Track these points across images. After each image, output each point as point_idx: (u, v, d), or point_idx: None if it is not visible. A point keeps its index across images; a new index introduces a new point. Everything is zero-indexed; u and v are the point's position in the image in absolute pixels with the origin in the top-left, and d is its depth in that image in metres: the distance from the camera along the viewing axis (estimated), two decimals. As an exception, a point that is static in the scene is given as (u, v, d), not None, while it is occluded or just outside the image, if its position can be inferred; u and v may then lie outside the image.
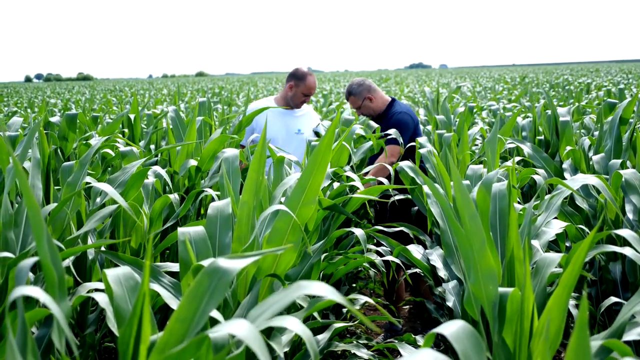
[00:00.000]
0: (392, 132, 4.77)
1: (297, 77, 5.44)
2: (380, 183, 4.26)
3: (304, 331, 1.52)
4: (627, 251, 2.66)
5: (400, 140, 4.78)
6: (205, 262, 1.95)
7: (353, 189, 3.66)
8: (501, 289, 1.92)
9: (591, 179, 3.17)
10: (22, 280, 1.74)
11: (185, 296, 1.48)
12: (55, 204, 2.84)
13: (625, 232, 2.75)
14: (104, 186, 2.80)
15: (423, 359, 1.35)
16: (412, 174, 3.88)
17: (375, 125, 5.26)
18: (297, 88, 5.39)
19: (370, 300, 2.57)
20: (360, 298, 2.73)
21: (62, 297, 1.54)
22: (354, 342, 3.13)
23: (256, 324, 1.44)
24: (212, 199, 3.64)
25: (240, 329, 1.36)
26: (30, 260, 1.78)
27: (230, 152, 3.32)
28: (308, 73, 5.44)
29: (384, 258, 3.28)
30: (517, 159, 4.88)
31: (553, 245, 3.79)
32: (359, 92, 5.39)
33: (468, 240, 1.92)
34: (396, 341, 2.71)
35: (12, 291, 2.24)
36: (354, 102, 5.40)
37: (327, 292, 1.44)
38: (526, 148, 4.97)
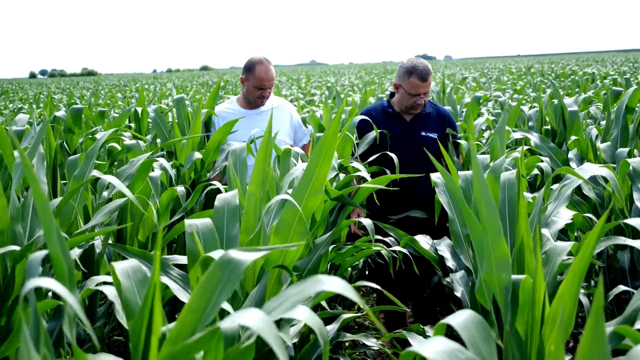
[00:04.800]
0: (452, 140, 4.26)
1: (246, 69, 4.60)
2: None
3: (314, 320, 1.52)
4: (637, 243, 2.64)
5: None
6: (214, 254, 1.95)
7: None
8: (513, 277, 1.91)
9: (601, 170, 3.16)
10: (34, 273, 1.74)
11: (198, 288, 1.48)
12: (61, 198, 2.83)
13: (635, 222, 2.73)
14: (110, 178, 2.80)
15: (436, 347, 1.35)
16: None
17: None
18: (248, 82, 4.57)
19: (379, 287, 2.56)
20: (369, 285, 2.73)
21: (72, 289, 1.54)
22: (364, 332, 3.13)
23: (272, 317, 1.44)
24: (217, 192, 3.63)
25: (254, 319, 1.35)
26: (40, 253, 1.78)
27: (237, 144, 3.32)
28: (258, 61, 4.54)
29: (391, 248, 3.26)
30: (525, 148, 4.86)
31: (561, 235, 3.78)
32: None
33: (483, 228, 1.90)
34: (404, 331, 2.70)
35: (20, 283, 2.25)
36: (430, 85, 4.23)
37: (344, 290, 1.43)
38: (533, 138, 4.96)
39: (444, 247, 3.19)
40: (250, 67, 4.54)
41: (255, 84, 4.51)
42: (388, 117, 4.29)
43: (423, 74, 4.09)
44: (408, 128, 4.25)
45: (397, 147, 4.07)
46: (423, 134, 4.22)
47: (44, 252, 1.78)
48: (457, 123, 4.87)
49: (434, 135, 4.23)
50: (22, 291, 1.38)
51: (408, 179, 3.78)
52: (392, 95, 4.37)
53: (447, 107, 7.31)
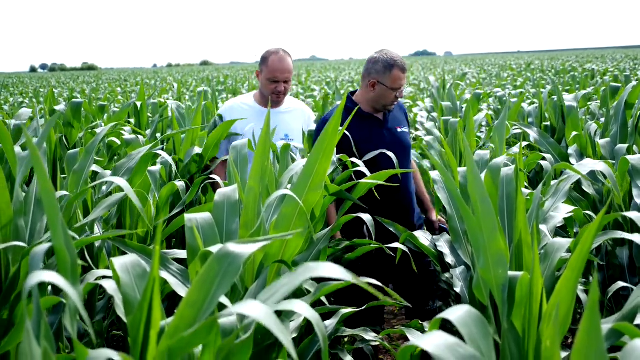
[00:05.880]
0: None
1: (261, 61, 4.20)
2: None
3: (312, 315, 1.52)
4: (635, 237, 2.65)
5: None
6: (214, 248, 1.95)
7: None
8: (510, 273, 1.92)
9: (599, 165, 3.17)
10: (36, 266, 1.74)
11: (196, 281, 1.48)
12: (63, 192, 2.84)
13: (633, 215, 2.74)
14: (114, 178, 2.77)
15: (435, 341, 1.35)
16: (417, 161, 3.87)
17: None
18: (262, 74, 4.17)
19: (379, 283, 2.56)
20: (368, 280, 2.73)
21: (75, 282, 1.55)
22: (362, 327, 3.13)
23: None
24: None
25: (255, 310, 1.36)
26: (43, 247, 1.78)
27: (238, 140, 3.32)
28: (273, 52, 4.15)
29: (390, 245, 3.25)
30: (524, 144, 4.87)
31: (561, 231, 3.79)
32: None
33: (478, 224, 1.91)
34: (403, 327, 2.70)
35: (24, 279, 2.26)
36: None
37: (337, 273, 1.43)
38: (533, 133, 4.96)
39: (443, 243, 3.20)
40: (264, 58, 4.16)
41: (268, 75, 4.11)
42: (361, 119, 3.81)
43: (404, 65, 3.77)
44: (386, 127, 3.86)
45: (385, 152, 3.54)
46: (399, 130, 3.89)
47: (46, 246, 1.78)
48: (456, 119, 4.85)
49: (406, 129, 3.95)
50: (25, 285, 1.38)
51: (398, 186, 3.57)
52: (352, 94, 3.95)
53: (447, 103, 7.31)
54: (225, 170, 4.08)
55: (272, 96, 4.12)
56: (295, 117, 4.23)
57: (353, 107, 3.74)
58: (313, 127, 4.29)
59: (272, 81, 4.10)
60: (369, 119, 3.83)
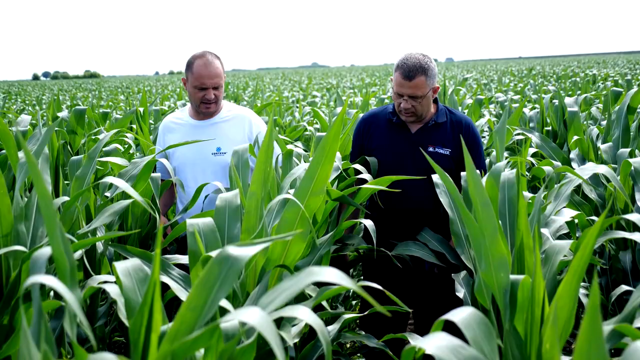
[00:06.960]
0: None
1: (185, 68, 3.69)
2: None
3: (315, 320, 1.52)
4: (636, 236, 2.65)
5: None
6: (215, 253, 1.95)
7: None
8: (512, 277, 1.91)
9: (601, 168, 3.16)
10: (38, 271, 1.74)
11: (196, 285, 1.48)
12: (65, 198, 2.84)
13: (634, 217, 2.74)
14: (118, 182, 2.76)
15: (438, 342, 1.35)
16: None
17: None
18: (188, 83, 3.67)
19: (381, 287, 2.56)
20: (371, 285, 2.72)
21: (73, 287, 1.55)
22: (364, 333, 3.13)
23: (267, 311, 1.44)
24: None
25: (253, 317, 1.35)
26: (45, 251, 1.78)
27: (239, 146, 3.31)
28: (198, 55, 3.64)
29: (390, 252, 3.24)
30: (532, 151, 4.87)
31: (564, 237, 3.79)
32: (434, 75, 3.28)
33: (480, 228, 1.91)
34: (406, 333, 2.70)
35: (25, 281, 2.26)
36: (420, 87, 3.24)
37: (339, 279, 1.42)
38: (534, 138, 4.96)
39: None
40: (189, 64, 3.65)
41: (194, 82, 3.61)
42: (390, 126, 3.45)
43: (408, 71, 3.22)
44: (411, 142, 3.39)
45: (397, 166, 3.35)
46: (431, 149, 3.35)
47: (48, 250, 1.79)
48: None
49: (446, 152, 3.36)
50: (22, 289, 1.39)
51: (410, 204, 3.37)
52: None
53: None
54: (166, 192, 3.84)
55: (200, 106, 3.66)
56: (235, 125, 3.73)
57: (391, 113, 3.44)
58: (261, 133, 3.71)
59: (200, 89, 3.61)
60: (399, 128, 3.44)
